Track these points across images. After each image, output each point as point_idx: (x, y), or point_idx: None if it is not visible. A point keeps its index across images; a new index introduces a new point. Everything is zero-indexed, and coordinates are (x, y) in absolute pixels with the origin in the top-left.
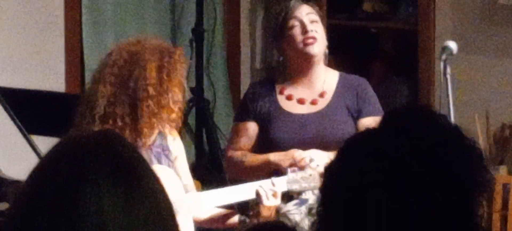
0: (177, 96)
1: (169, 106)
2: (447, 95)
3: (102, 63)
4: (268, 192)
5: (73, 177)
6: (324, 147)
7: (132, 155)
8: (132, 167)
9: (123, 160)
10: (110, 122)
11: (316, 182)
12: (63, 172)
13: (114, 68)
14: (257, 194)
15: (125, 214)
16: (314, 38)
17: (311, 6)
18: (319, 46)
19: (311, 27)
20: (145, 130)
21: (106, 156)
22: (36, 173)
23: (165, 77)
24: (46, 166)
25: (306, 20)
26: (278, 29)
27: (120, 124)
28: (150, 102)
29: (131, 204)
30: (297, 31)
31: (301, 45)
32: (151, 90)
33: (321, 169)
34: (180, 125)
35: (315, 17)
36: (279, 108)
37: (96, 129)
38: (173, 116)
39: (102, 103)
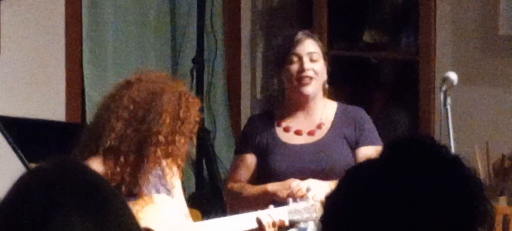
0: (184, 148)
1: (175, 156)
2: (447, 126)
3: (118, 91)
4: (270, 221)
5: (44, 207)
6: (322, 176)
7: (100, 182)
8: (100, 194)
9: (92, 187)
10: (112, 156)
11: (318, 213)
12: (34, 203)
13: (130, 104)
14: (259, 222)
15: None
16: (309, 78)
17: (316, 40)
18: (313, 86)
19: (309, 66)
20: (147, 175)
21: (75, 185)
22: (5, 206)
23: (177, 128)
24: (15, 199)
25: (306, 58)
26: (279, 59)
27: (122, 160)
28: (158, 149)
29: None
30: (294, 67)
31: (295, 83)
32: (161, 138)
33: (319, 198)
34: (181, 171)
35: (317, 55)
36: (277, 139)
37: (97, 159)
38: (177, 163)
39: (109, 137)
